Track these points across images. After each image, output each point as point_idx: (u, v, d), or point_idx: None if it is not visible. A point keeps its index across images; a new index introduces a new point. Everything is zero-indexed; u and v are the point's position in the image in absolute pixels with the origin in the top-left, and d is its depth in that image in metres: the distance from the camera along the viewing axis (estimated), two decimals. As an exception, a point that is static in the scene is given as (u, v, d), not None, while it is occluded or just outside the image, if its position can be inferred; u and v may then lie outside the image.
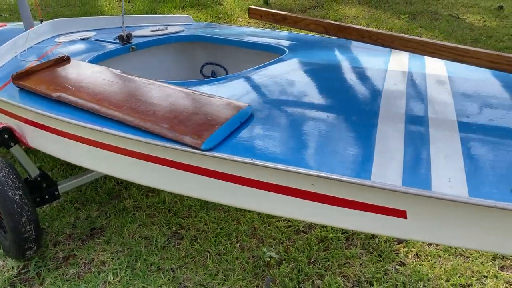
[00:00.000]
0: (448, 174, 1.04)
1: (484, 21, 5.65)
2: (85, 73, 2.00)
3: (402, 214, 1.08)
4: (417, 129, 1.24)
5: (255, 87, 1.71)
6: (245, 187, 1.29)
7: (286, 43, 2.36)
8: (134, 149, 1.53)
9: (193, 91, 1.62)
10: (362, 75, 1.70)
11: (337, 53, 2.05)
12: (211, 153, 1.27)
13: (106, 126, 1.57)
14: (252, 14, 1.87)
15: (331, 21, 1.67)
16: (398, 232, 1.13)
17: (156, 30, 2.83)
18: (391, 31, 5.32)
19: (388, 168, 1.09)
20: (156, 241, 2.28)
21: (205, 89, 1.73)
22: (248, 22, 5.68)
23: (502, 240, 1.02)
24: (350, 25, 1.61)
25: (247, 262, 2.14)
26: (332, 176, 1.09)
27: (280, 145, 1.27)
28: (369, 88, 1.56)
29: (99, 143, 1.68)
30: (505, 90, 1.48)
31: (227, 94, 1.68)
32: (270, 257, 2.16)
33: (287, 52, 2.13)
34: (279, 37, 2.61)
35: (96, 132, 1.61)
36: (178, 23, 3.14)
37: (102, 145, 1.67)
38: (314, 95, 1.56)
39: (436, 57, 1.39)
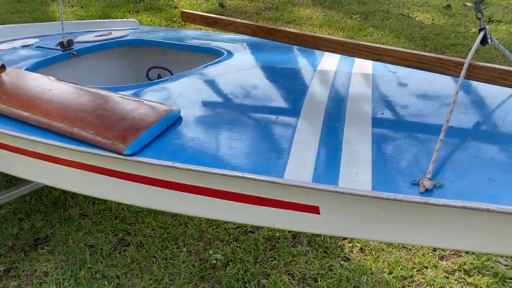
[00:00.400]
0: (356, 169, 1.07)
1: (433, 19, 5.82)
2: (19, 81, 1.96)
3: (315, 210, 1.10)
4: (333, 126, 1.28)
5: (188, 89, 1.72)
6: (169, 190, 1.29)
7: (227, 45, 2.38)
8: (62, 157, 1.51)
9: (123, 96, 1.61)
10: (292, 76, 1.74)
11: (273, 54, 2.08)
12: (133, 158, 1.27)
13: (36, 134, 1.55)
14: (185, 17, 1.88)
15: (259, 24, 1.70)
16: (313, 227, 1.16)
17: (100, 35, 2.80)
18: (343, 31, 5.43)
19: (302, 165, 1.12)
20: (101, 248, 2.25)
21: (141, 92, 1.73)
22: (200, 28, 5.68)
23: (407, 231, 1.06)
24: (277, 28, 1.64)
25: (193, 266, 2.14)
26: (248, 176, 1.11)
27: (204, 147, 1.28)
28: (296, 88, 1.59)
29: (30, 151, 1.65)
30: (422, 87, 1.53)
31: (160, 97, 1.68)
32: (216, 259, 2.16)
33: (225, 54, 2.15)
34: (223, 39, 2.63)
35: (25, 140, 1.59)
36: (124, 27, 3.11)
37: (33, 153, 1.64)
38: (242, 96, 1.58)
39: (355, 56, 1.44)
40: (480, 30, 1.38)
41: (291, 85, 1.63)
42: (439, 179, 1.00)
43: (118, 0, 6.61)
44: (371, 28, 5.49)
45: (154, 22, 5.76)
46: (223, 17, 1.80)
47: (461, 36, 5.22)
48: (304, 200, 1.11)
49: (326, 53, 1.97)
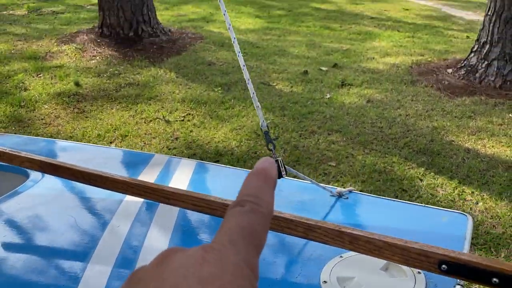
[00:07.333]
0: None
1: (291, 87, 6.05)
2: None
3: None
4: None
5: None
6: None
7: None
8: None
9: None
10: (85, 225, 1.51)
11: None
12: None
13: None
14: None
15: (46, 160, 1.46)
16: None
17: None
18: (205, 105, 5.38)
19: None
20: None
21: None
22: (55, 109, 5.27)
23: None
24: (64, 164, 1.42)
25: None
26: None
27: None
28: (81, 245, 1.37)
29: None
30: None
31: None
32: None
33: (31, 176, 1.87)
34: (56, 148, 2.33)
35: None
36: None
37: None
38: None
39: (144, 198, 1.27)
40: (273, 163, 1.28)
41: (80, 236, 1.40)
42: None
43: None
44: (232, 100, 5.52)
45: (-2, 109, 5.22)
46: (6, 150, 1.53)
47: (316, 103, 5.46)
48: None
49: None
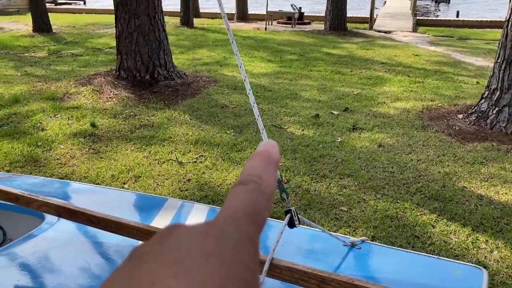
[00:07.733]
0: None
1: (303, 130, 6.12)
2: None
3: None
4: None
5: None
6: None
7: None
8: None
9: None
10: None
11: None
12: None
13: None
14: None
15: (63, 204, 1.51)
16: None
17: None
18: (218, 147, 5.44)
19: None
20: None
21: None
22: (71, 149, 5.37)
23: None
24: (80, 209, 1.46)
25: None
26: None
27: None
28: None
29: None
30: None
31: None
32: None
33: (47, 219, 1.91)
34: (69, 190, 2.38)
35: None
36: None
37: None
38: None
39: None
40: (286, 213, 1.30)
41: (94, 281, 1.42)
42: None
43: (-22, 124, 6.12)
44: (244, 142, 5.59)
45: (16, 148, 5.33)
46: (25, 194, 1.58)
47: (328, 146, 5.50)
48: None
49: (155, 220, 1.82)
